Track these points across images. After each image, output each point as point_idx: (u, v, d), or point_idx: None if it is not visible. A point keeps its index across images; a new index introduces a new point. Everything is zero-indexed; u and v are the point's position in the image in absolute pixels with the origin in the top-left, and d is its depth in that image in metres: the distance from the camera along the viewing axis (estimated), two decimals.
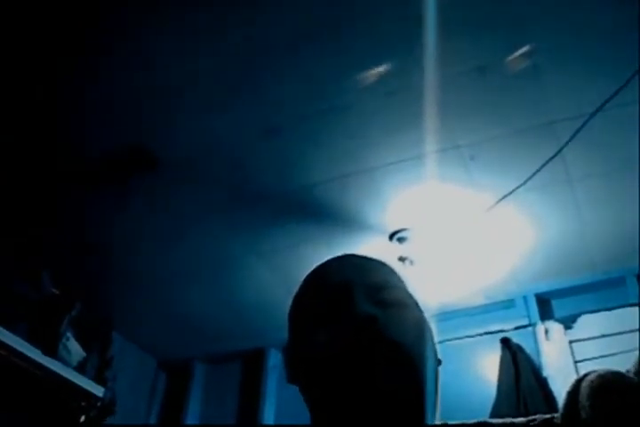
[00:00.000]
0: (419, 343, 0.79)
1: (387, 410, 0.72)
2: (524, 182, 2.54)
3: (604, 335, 2.94)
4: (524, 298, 3.23)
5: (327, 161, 2.52)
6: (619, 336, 2.86)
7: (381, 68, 2.16)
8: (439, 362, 0.86)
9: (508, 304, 3.27)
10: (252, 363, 3.74)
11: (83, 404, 2.87)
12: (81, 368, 2.89)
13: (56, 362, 2.71)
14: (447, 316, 3.24)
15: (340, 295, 0.81)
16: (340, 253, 0.93)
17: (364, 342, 0.75)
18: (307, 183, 2.62)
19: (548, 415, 0.74)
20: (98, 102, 2.29)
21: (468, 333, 3.28)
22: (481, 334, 3.26)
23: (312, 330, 0.81)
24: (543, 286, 3.20)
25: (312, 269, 0.91)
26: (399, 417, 0.73)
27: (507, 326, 3.21)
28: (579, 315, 3.09)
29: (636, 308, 2.90)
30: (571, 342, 3.02)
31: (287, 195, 2.67)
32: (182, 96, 2.26)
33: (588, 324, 3.03)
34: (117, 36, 2.07)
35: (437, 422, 0.82)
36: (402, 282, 0.89)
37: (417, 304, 0.87)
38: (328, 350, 0.76)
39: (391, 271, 0.90)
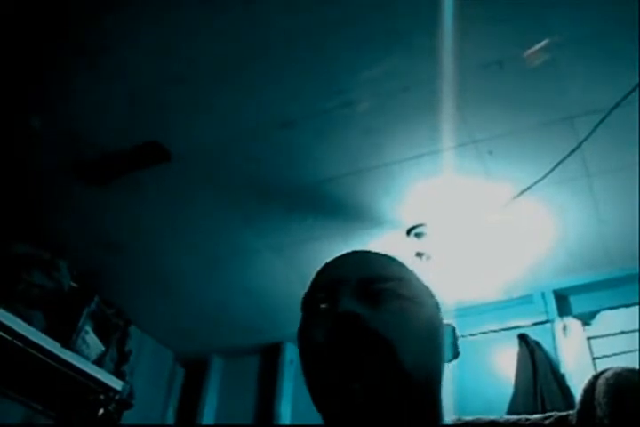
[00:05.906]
0: (414, 336, 0.77)
1: (374, 408, 0.71)
2: (543, 177, 2.52)
3: (622, 332, 2.91)
4: (542, 294, 3.20)
5: (344, 155, 2.51)
6: (637, 333, 2.83)
7: (398, 62, 2.15)
8: (456, 355, 0.85)
9: (525, 300, 3.25)
10: (269, 357, 3.75)
11: (101, 397, 2.91)
12: (99, 362, 2.92)
13: (75, 355, 2.74)
14: (464, 311, 3.22)
15: (329, 293, 0.82)
16: (356, 248, 0.94)
17: (344, 339, 0.74)
18: (323, 177, 2.61)
19: (563, 413, 0.74)
20: (111, 96, 2.30)
21: (486, 328, 3.27)
22: (498, 330, 3.25)
23: (309, 328, 0.82)
24: (561, 282, 3.16)
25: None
26: (392, 416, 0.72)
27: (524, 321, 3.19)
28: (597, 311, 3.06)
29: None
30: (589, 338, 3.00)
31: (303, 189, 2.67)
32: (197, 88, 2.26)
33: (607, 320, 3.01)
34: (133, 29, 2.07)
35: (453, 417, 0.82)
36: (405, 276, 0.86)
37: (420, 298, 0.84)
38: (316, 348, 0.77)
39: (394, 265, 0.88)
